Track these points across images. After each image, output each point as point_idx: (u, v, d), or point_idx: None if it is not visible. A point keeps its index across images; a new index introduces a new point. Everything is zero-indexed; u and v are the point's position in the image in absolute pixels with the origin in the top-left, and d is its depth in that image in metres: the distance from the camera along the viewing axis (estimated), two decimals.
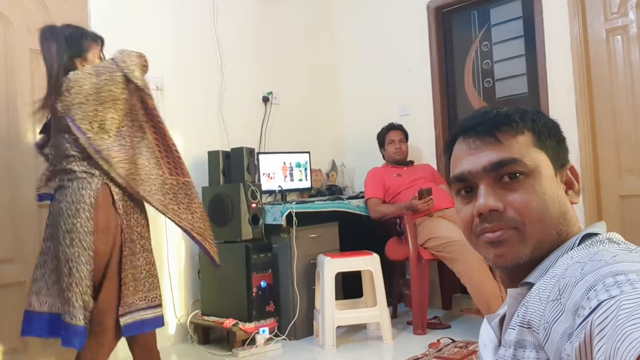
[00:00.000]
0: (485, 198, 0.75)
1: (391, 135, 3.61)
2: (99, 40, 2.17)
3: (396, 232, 3.32)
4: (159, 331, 3.04)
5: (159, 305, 2.13)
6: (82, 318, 1.91)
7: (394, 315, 3.39)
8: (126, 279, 2.01)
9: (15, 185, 2.55)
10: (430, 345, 2.79)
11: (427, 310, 3.14)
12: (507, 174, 0.75)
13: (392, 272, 3.45)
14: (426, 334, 3.02)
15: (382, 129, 3.66)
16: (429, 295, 3.28)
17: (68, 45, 2.07)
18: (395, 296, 3.50)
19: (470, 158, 0.78)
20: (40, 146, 2.19)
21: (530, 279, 0.73)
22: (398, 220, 3.28)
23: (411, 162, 3.63)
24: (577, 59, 3.08)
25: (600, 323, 0.50)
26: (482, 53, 3.67)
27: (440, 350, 2.71)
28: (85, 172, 1.97)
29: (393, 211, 3.31)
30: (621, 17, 2.99)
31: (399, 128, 3.64)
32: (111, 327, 1.98)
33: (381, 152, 3.68)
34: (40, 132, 2.20)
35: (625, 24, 2.98)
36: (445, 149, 0.87)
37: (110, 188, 1.99)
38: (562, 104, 3.15)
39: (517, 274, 0.76)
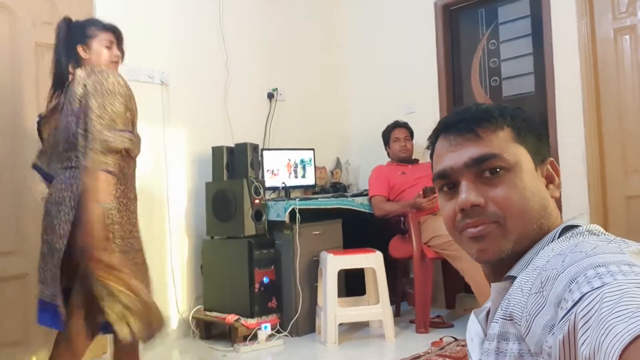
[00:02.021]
0: (467, 193, 0.76)
1: (396, 133, 3.59)
2: (109, 29, 2.12)
3: (400, 230, 3.31)
4: None
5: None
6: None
7: (396, 314, 3.38)
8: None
9: (18, 177, 2.55)
10: (433, 344, 2.77)
11: (430, 309, 3.13)
12: (487, 169, 0.76)
13: (396, 270, 3.44)
14: (429, 332, 3.01)
15: (388, 127, 3.64)
16: (433, 294, 3.26)
17: (70, 34, 2.05)
18: (399, 294, 3.49)
19: (452, 155, 0.79)
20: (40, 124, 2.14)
21: (512, 272, 0.74)
22: (402, 218, 3.26)
23: (416, 160, 3.62)
24: (585, 58, 3.06)
25: (584, 316, 0.51)
26: (489, 51, 3.64)
27: (442, 348, 2.69)
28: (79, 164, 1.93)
29: (397, 209, 3.29)
30: (629, 16, 2.96)
31: (404, 126, 3.62)
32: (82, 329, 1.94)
33: (386, 149, 3.66)
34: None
35: (633, 23, 2.95)
36: (428, 146, 0.88)
37: None
38: (569, 104, 3.13)
39: (500, 269, 0.77)
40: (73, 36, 2.07)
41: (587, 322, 0.50)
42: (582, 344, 0.49)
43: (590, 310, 0.50)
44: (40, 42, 2.66)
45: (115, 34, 2.13)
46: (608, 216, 3.02)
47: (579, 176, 3.06)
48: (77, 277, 1.92)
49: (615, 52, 3.02)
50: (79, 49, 2.06)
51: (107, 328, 1.92)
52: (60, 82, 2.07)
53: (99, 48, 2.07)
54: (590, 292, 0.52)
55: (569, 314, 0.53)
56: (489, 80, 3.65)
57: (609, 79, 3.04)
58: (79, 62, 2.06)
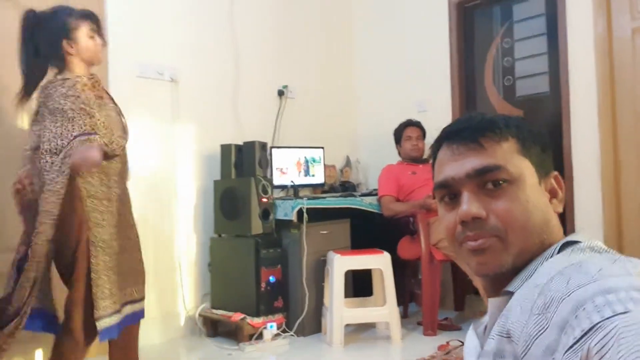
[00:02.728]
0: (468, 205, 0.74)
1: (408, 132, 3.55)
2: (88, 17, 2.00)
3: (409, 231, 3.27)
4: (168, 323, 3.07)
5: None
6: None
7: (404, 315, 3.35)
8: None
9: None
10: (439, 347, 2.74)
11: (438, 311, 3.09)
12: (490, 180, 0.74)
13: (404, 271, 3.41)
14: (436, 335, 2.98)
15: (400, 125, 3.60)
16: (441, 296, 3.22)
17: (45, 28, 1.94)
18: (406, 296, 3.45)
19: (454, 164, 0.77)
20: None
21: (510, 287, 0.72)
22: (411, 219, 3.23)
23: (427, 160, 3.57)
24: (601, 58, 2.98)
25: (599, 351, 0.50)
26: (503, 50, 3.58)
27: (448, 352, 2.66)
28: None
29: (406, 209, 3.26)
30: None
31: (417, 125, 3.57)
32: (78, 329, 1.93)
33: (397, 148, 3.62)
34: None
35: None
36: (430, 155, 0.86)
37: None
38: (583, 104, 3.06)
39: (499, 283, 0.75)
40: (51, 30, 1.94)
41: (602, 357, 0.49)
42: None
43: (605, 345, 0.49)
44: None
45: (94, 20, 2.02)
46: (622, 222, 2.94)
47: (593, 180, 2.99)
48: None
49: (632, 52, 2.94)
50: (64, 44, 1.95)
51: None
52: (35, 85, 2.00)
53: (81, 39, 1.96)
54: (601, 323, 0.51)
55: (579, 344, 0.52)
56: (502, 79, 3.59)
57: (626, 80, 2.96)
58: (63, 60, 1.97)
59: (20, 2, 2.56)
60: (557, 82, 3.24)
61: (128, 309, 2.07)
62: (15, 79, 2.53)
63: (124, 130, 2.05)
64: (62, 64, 1.98)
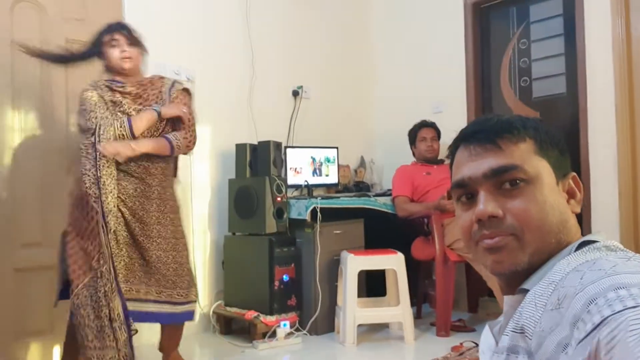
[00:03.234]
0: (484, 204, 0.75)
1: (423, 133, 3.54)
2: (110, 30, 2.20)
3: (423, 232, 3.27)
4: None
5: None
6: None
7: (417, 316, 3.35)
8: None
9: (45, 170, 2.61)
10: (453, 348, 2.73)
11: (452, 312, 3.09)
12: (507, 180, 0.75)
13: (418, 271, 3.40)
14: (450, 336, 2.97)
15: (414, 126, 3.60)
16: (455, 297, 3.21)
17: (91, 51, 2.24)
18: (420, 296, 3.45)
19: (471, 164, 0.78)
20: None
21: (526, 285, 0.73)
22: (425, 219, 3.22)
23: (442, 161, 3.56)
24: (619, 59, 2.95)
25: (608, 342, 0.50)
26: (519, 51, 3.56)
27: (462, 354, 2.65)
28: None
29: (420, 210, 3.25)
30: None
31: (431, 125, 3.57)
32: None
33: (411, 149, 3.62)
34: None
35: None
36: (447, 155, 0.87)
37: None
38: (601, 106, 3.03)
39: (514, 281, 0.76)
40: (95, 52, 2.24)
41: (611, 349, 0.50)
42: None
43: (614, 338, 0.50)
44: (70, 38, 2.70)
45: (115, 31, 2.20)
46: (639, 223, 2.91)
47: (610, 181, 2.96)
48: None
49: None
50: (101, 59, 2.24)
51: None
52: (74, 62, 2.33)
53: (108, 51, 2.20)
54: (612, 316, 0.52)
55: (589, 337, 0.52)
56: (519, 80, 3.56)
57: None
58: (107, 69, 2.26)
59: (39, 1, 2.61)
60: (574, 83, 3.22)
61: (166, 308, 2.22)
62: (35, 79, 2.59)
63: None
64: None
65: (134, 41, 2.23)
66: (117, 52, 2.18)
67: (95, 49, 2.21)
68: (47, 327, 2.59)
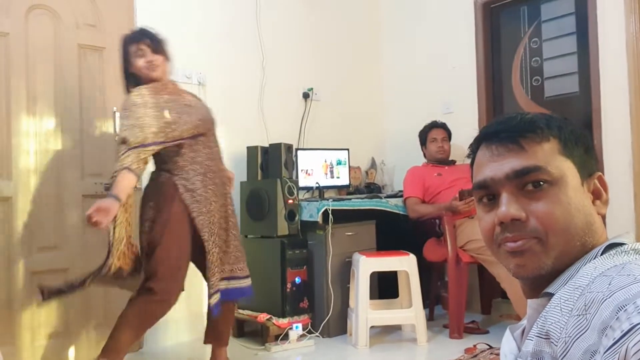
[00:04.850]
0: (507, 206, 0.73)
1: (434, 133, 3.53)
2: (135, 39, 2.24)
3: (435, 233, 3.25)
4: (195, 322, 3.10)
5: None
6: None
7: (430, 318, 3.33)
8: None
9: (60, 174, 2.64)
10: (466, 351, 2.71)
11: (465, 314, 3.07)
12: (530, 182, 0.73)
13: (430, 273, 3.39)
14: (463, 338, 2.95)
15: (425, 127, 3.59)
16: (468, 299, 3.20)
17: (122, 59, 2.28)
18: (432, 298, 3.43)
19: (493, 165, 0.76)
20: None
21: (550, 289, 0.71)
22: (437, 220, 3.21)
23: (453, 162, 3.54)
24: (633, 58, 2.91)
25: (637, 352, 0.49)
26: (531, 50, 3.53)
27: (475, 356, 2.63)
28: None
29: (432, 211, 3.24)
30: None
31: (442, 126, 3.55)
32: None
33: (422, 150, 3.61)
34: None
35: None
36: (468, 155, 0.84)
37: None
38: (615, 105, 2.99)
39: (538, 285, 0.74)
40: (124, 65, 2.28)
41: None
42: None
43: None
44: (83, 44, 2.74)
45: (139, 40, 2.23)
46: None
47: (625, 184, 2.92)
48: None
49: None
50: (131, 71, 2.27)
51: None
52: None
53: (134, 60, 2.23)
54: None
55: (617, 345, 0.51)
56: (530, 80, 3.54)
57: None
58: (133, 81, 2.28)
59: (53, 8, 2.65)
60: (587, 82, 3.19)
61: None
62: (48, 84, 2.62)
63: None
64: (132, 85, 2.28)
65: (159, 48, 2.27)
66: (143, 62, 2.22)
67: (127, 64, 2.27)
68: (62, 330, 2.62)
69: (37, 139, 2.59)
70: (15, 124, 2.52)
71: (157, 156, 2.22)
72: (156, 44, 2.25)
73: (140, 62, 2.22)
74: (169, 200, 2.17)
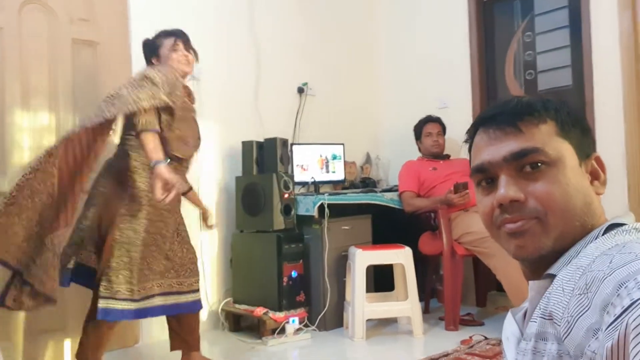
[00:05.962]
0: (505, 188, 0.74)
1: (428, 128, 3.54)
2: (171, 34, 2.34)
3: (430, 226, 3.27)
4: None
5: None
6: None
7: (425, 311, 3.35)
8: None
9: None
10: (462, 342, 2.73)
11: (461, 307, 3.09)
12: (528, 163, 0.73)
13: (426, 266, 3.40)
14: (458, 330, 2.97)
15: (420, 121, 3.60)
16: (463, 291, 3.22)
17: (145, 53, 2.38)
18: (428, 291, 3.45)
19: (491, 148, 0.77)
20: None
21: (552, 270, 0.71)
22: (432, 214, 3.22)
23: (448, 156, 3.56)
24: (626, 52, 2.94)
25: (637, 326, 0.49)
26: (524, 44, 3.55)
27: (472, 347, 2.65)
28: None
29: (427, 205, 3.25)
30: None
31: (437, 120, 3.57)
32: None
33: (417, 144, 3.62)
34: None
35: None
36: (466, 140, 0.85)
37: None
38: (608, 98, 3.02)
39: (539, 266, 0.74)
40: (147, 53, 2.37)
41: None
42: (635, 355, 0.48)
43: None
44: (76, 39, 2.72)
45: (178, 36, 2.34)
46: None
47: (618, 176, 2.94)
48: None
49: None
50: (153, 61, 2.35)
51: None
52: None
53: (165, 53, 2.31)
54: None
55: (618, 321, 0.51)
56: (524, 73, 3.56)
57: None
58: None
59: (47, 2, 2.63)
60: (580, 75, 3.21)
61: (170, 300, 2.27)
62: (42, 79, 2.61)
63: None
64: None
65: (192, 48, 2.39)
66: (180, 55, 2.31)
67: (152, 50, 2.34)
68: (59, 325, 2.62)
69: (31, 133, 2.58)
70: (9, 119, 2.51)
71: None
72: (190, 44, 2.38)
73: (176, 55, 2.30)
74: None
